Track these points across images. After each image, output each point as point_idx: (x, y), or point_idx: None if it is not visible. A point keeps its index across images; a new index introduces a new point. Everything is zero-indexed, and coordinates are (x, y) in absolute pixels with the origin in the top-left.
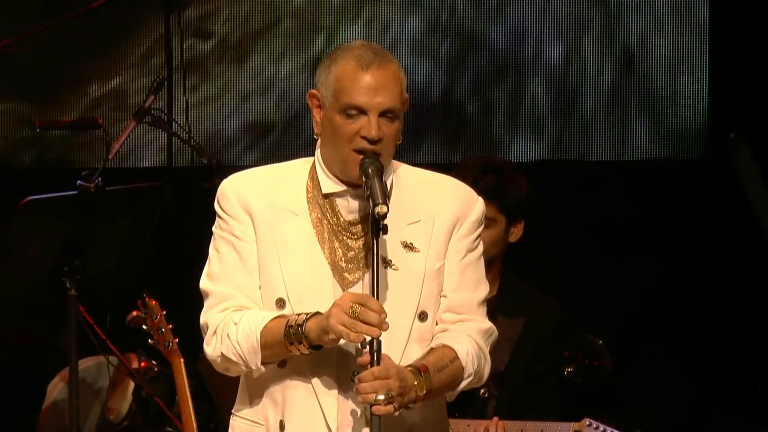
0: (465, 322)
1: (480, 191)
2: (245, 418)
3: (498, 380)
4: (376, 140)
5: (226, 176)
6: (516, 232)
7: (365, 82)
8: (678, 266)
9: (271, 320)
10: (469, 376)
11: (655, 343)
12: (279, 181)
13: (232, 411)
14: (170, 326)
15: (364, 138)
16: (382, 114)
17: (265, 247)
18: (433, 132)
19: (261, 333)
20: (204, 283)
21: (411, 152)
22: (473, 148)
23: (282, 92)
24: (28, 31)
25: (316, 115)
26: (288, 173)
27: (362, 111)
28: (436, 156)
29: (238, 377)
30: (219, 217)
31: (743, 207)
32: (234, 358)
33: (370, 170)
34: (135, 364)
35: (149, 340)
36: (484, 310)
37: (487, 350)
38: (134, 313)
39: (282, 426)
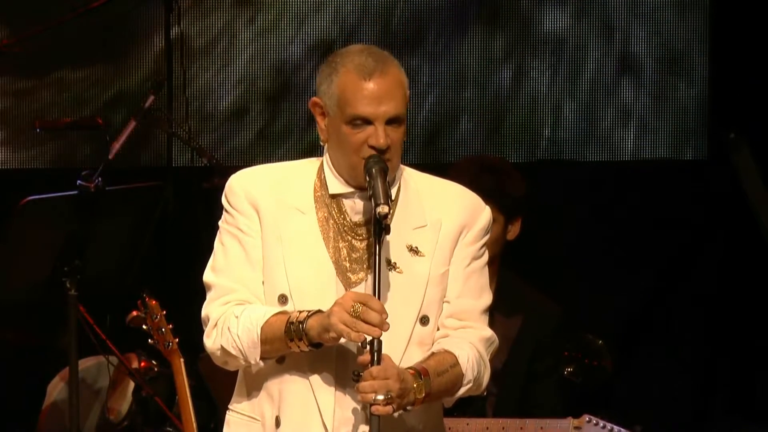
0: (467, 329)
1: (477, 191)
2: (242, 413)
3: (497, 379)
4: (384, 149)
5: (225, 176)
6: (513, 230)
7: (368, 92)
8: (678, 266)
9: (273, 316)
10: (468, 383)
11: (655, 343)
12: (287, 178)
13: (229, 406)
14: (170, 326)
15: (372, 147)
16: (388, 122)
17: (270, 243)
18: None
19: (262, 328)
20: (207, 276)
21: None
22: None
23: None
24: (27, 31)
25: (320, 122)
26: (296, 172)
27: (368, 121)
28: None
29: (239, 376)
30: (226, 211)
31: (743, 207)
32: (233, 352)
33: (374, 170)
34: (135, 364)
35: (149, 340)
36: (486, 318)
37: (487, 358)
38: (134, 313)
39: (278, 422)
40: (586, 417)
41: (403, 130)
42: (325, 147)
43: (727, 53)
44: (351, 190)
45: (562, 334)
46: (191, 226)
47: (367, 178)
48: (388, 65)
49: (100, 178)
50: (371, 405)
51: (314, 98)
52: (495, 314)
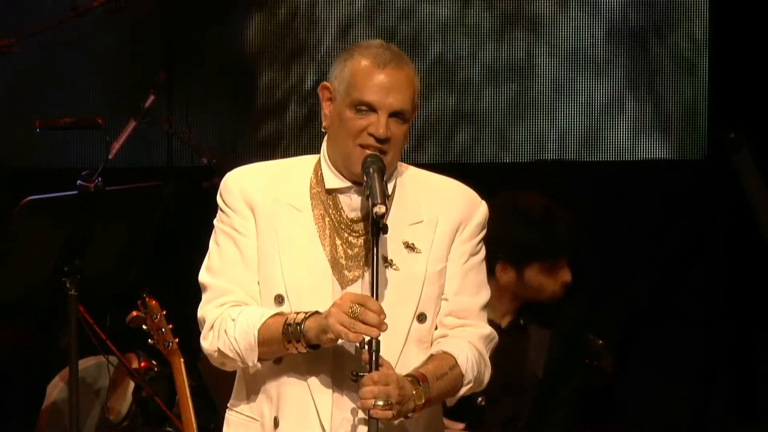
0: (465, 327)
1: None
2: (241, 414)
3: (536, 387)
4: (383, 139)
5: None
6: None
7: (379, 81)
8: (678, 266)
9: (270, 318)
10: (468, 383)
11: (655, 343)
12: (283, 176)
13: (228, 405)
14: (170, 326)
15: (371, 135)
16: (392, 114)
17: (266, 242)
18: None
19: (258, 330)
20: (203, 276)
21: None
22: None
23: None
24: (28, 31)
25: (326, 108)
26: (292, 169)
27: (373, 109)
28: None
29: (237, 377)
30: (221, 210)
31: (743, 207)
32: (231, 354)
33: (371, 169)
34: (135, 364)
35: (149, 340)
36: (485, 315)
37: (487, 356)
38: (134, 313)
39: (276, 422)
40: None
41: (405, 128)
42: (323, 142)
43: (728, 53)
44: (348, 184)
45: (584, 330)
46: (191, 226)
47: (365, 177)
48: (404, 63)
49: (100, 178)
50: (371, 409)
51: (324, 83)
52: (528, 327)
